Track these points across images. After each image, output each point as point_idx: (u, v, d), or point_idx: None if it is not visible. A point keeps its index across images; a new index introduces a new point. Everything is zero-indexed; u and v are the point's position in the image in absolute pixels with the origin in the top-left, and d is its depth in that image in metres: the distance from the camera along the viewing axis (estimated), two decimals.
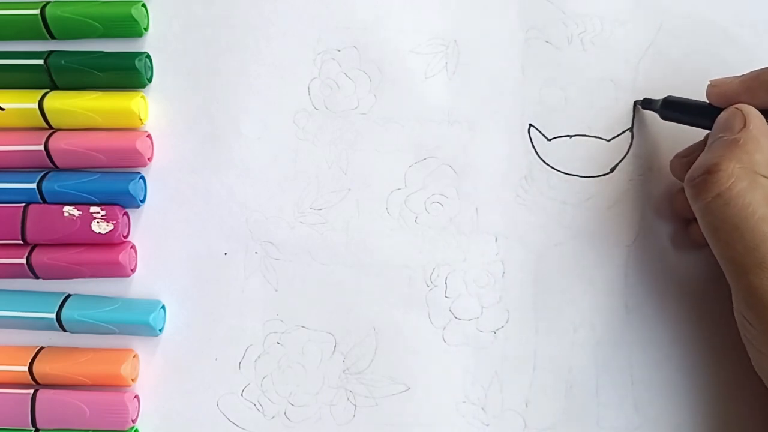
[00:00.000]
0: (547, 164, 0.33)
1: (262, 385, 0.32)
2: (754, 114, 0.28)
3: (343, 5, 0.34)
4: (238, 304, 0.33)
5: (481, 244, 0.33)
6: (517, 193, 0.33)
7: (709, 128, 0.29)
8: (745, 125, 0.27)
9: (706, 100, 0.30)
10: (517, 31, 0.34)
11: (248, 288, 0.33)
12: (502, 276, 0.33)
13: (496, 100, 0.33)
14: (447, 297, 0.33)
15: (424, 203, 0.33)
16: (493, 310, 0.33)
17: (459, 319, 0.33)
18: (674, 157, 0.32)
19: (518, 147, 0.33)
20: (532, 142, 0.33)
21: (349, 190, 0.33)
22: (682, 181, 0.30)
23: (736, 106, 0.28)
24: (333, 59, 0.34)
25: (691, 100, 0.31)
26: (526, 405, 0.32)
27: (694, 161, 0.28)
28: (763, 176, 0.26)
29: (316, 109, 0.33)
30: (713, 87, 0.30)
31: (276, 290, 0.33)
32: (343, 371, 0.32)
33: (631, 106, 0.33)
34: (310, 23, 0.34)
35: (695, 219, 0.29)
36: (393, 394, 0.32)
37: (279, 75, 0.33)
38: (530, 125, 0.33)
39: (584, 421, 0.32)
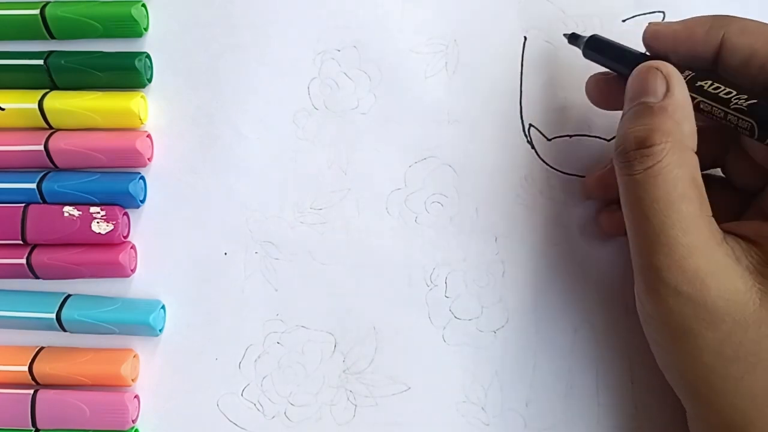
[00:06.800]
0: (547, 164, 0.33)
1: (262, 385, 0.32)
2: (676, 77, 0.26)
3: (343, 5, 0.34)
4: (238, 304, 0.33)
5: (481, 244, 0.33)
6: (517, 193, 0.33)
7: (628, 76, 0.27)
8: (668, 90, 0.25)
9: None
10: (517, 31, 0.34)
11: (248, 288, 0.33)
12: (502, 276, 0.33)
13: (496, 100, 0.33)
14: (447, 297, 0.33)
15: (424, 203, 0.33)
16: (493, 310, 0.33)
17: (459, 318, 0.33)
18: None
19: (518, 147, 0.33)
20: (532, 142, 0.33)
21: (349, 190, 0.33)
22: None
23: (654, 65, 0.26)
24: (333, 59, 0.34)
25: (618, 43, 0.29)
26: (526, 405, 0.32)
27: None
28: (691, 150, 0.25)
29: (316, 108, 0.33)
30: (653, 25, 0.28)
31: (276, 290, 0.33)
32: (343, 371, 0.32)
33: None
34: (309, 23, 0.34)
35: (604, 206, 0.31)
36: (393, 394, 0.32)
37: (279, 75, 0.33)
38: (530, 125, 0.33)
39: (584, 421, 0.32)
